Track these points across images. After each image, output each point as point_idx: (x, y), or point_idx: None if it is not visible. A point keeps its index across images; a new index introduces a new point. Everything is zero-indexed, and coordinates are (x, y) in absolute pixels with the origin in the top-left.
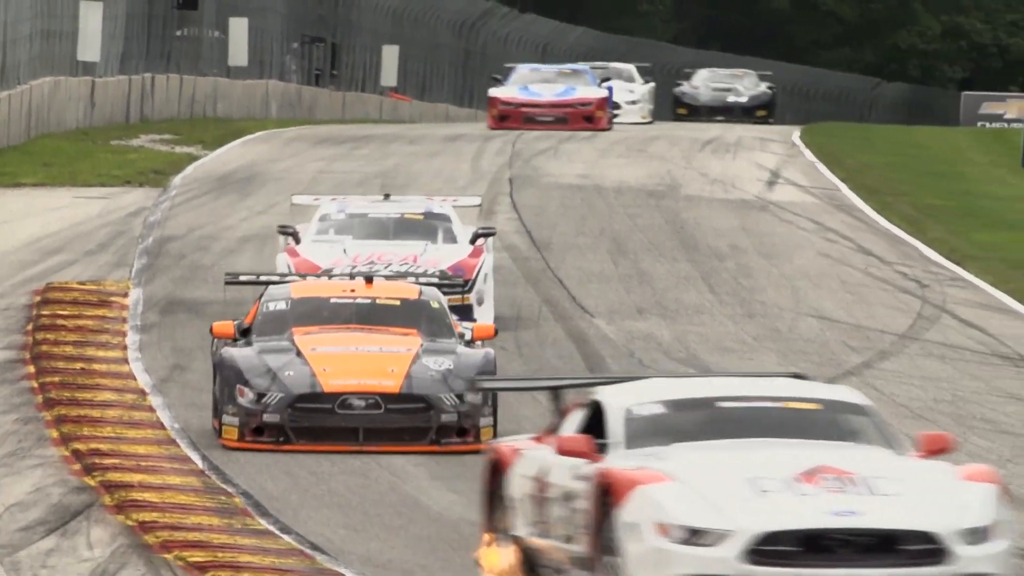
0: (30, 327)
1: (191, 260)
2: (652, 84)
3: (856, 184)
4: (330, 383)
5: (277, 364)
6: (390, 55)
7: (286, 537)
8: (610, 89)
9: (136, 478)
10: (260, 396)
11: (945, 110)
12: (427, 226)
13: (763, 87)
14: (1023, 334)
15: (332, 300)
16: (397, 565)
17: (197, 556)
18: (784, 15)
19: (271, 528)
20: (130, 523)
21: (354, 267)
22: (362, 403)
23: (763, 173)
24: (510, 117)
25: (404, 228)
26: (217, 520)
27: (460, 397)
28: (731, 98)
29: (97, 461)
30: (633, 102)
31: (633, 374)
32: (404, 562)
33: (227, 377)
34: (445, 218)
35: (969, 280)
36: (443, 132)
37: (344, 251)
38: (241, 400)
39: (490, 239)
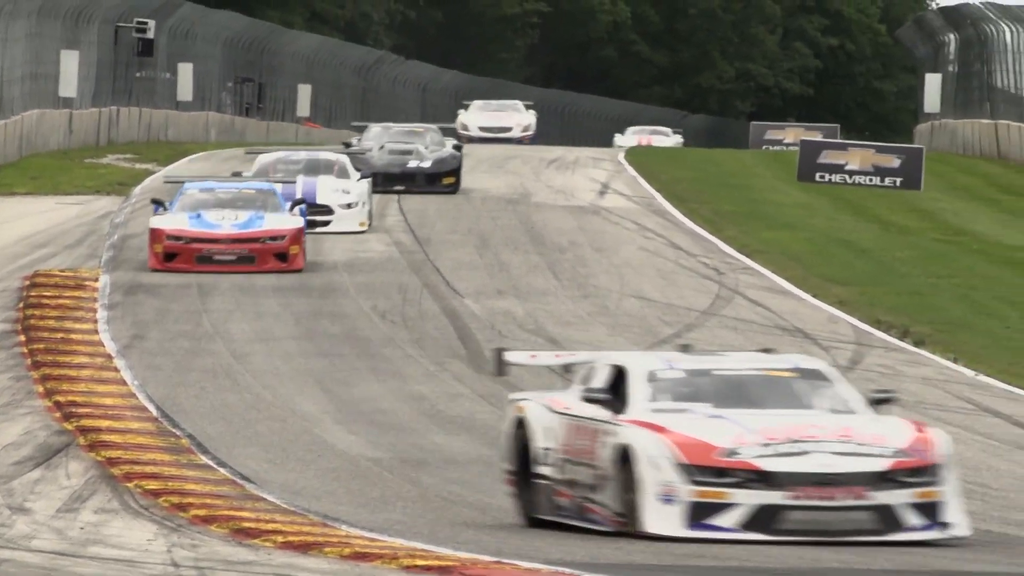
0: (21, 305)
1: (148, 252)
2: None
3: (668, 194)
4: None
5: None
6: (304, 92)
7: (222, 470)
8: (303, 212)
9: (104, 424)
10: None
11: (737, 136)
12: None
13: (448, 147)
14: (797, 310)
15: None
16: (309, 491)
17: (152, 485)
18: (611, 61)
19: (210, 463)
20: (99, 459)
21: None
22: None
23: (596, 185)
24: (179, 256)
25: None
26: (168, 457)
27: None
28: (412, 163)
29: (74, 410)
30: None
31: (493, 343)
32: (314, 489)
33: None
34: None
35: (756, 269)
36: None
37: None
38: None
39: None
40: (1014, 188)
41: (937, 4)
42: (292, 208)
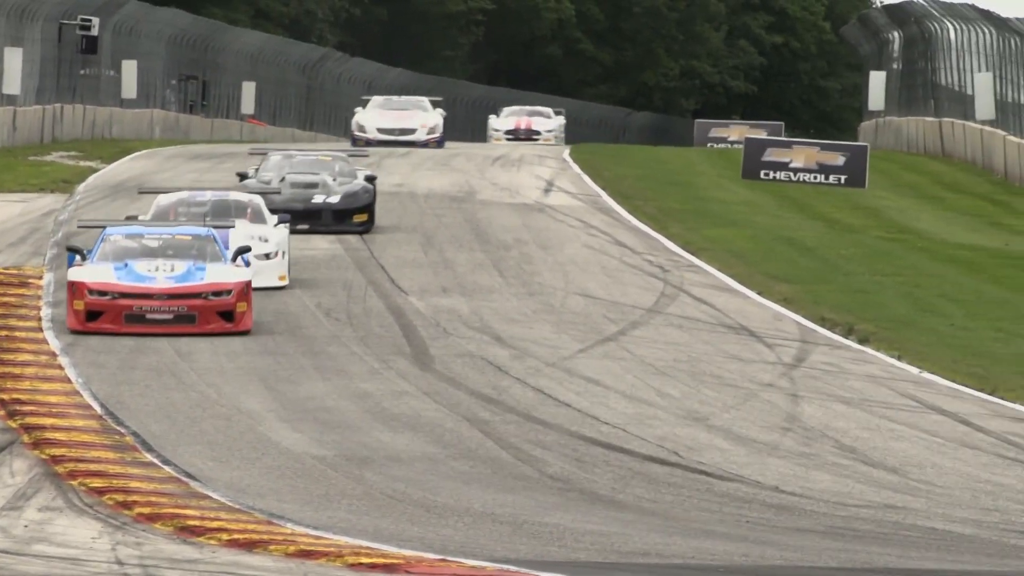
0: None
1: None
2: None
3: (613, 191)
4: None
5: None
6: (248, 89)
7: (167, 468)
8: (246, 261)
9: (48, 421)
10: None
11: (682, 134)
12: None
13: (359, 179)
14: (742, 308)
15: None
16: (253, 489)
17: (96, 482)
18: (556, 59)
19: (155, 461)
20: (44, 457)
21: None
22: None
23: (541, 183)
24: (105, 314)
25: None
26: (112, 454)
27: None
28: (317, 198)
29: (18, 408)
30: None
31: (438, 340)
32: (259, 487)
33: None
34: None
35: (701, 267)
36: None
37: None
38: None
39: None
40: (958, 186)
41: (881, 2)
42: (235, 258)
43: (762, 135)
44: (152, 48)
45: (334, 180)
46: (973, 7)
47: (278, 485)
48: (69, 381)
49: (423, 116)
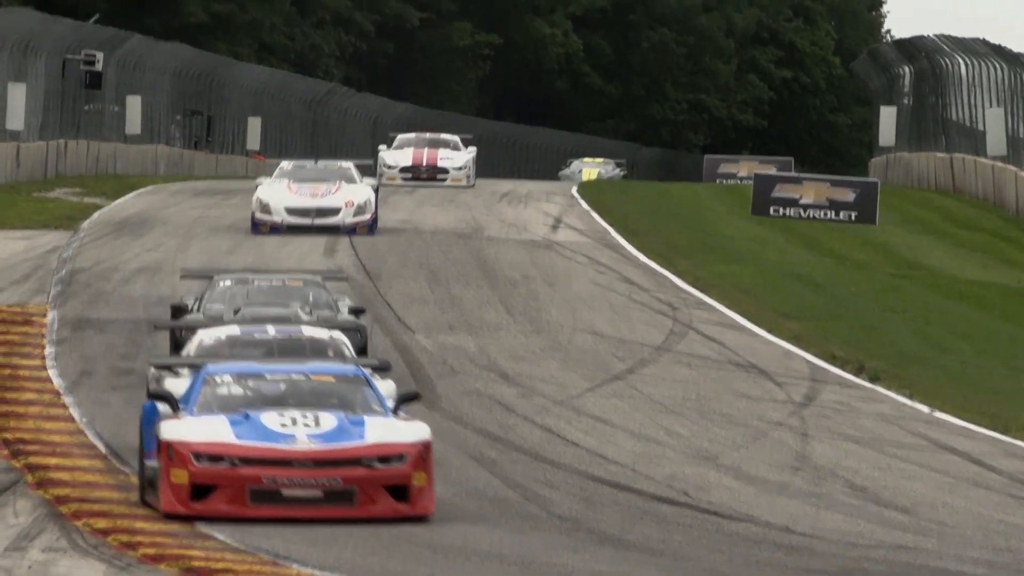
0: None
1: (96, 287)
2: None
3: (621, 228)
4: None
5: None
6: (254, 124)
7: None
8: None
9: (52, 461)
10: None
11: (690, 169)
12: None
13: (343, 309)
14: (752, 345)
15: None
16: (259, 530)
17: (101, 523)
18: (563, 93)
19: None
20: (48, 497)
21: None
22: None
23: (548, 219)
24: (219, 489)
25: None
26: (117, 494)
27: None
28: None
29: (21, 447)
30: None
31: (444, 378)
32: (265, 527)
33: None
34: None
35: (710, 303)
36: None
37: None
38: None
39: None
40: (969, 222)
41: (892, 37)
42: (399, 407)
43: (772, 170)
44: (156, 83)
45: (308, 312)
46: (984, 42)
47: (283, 525)
48: (73, 420)
49: (349, 190)
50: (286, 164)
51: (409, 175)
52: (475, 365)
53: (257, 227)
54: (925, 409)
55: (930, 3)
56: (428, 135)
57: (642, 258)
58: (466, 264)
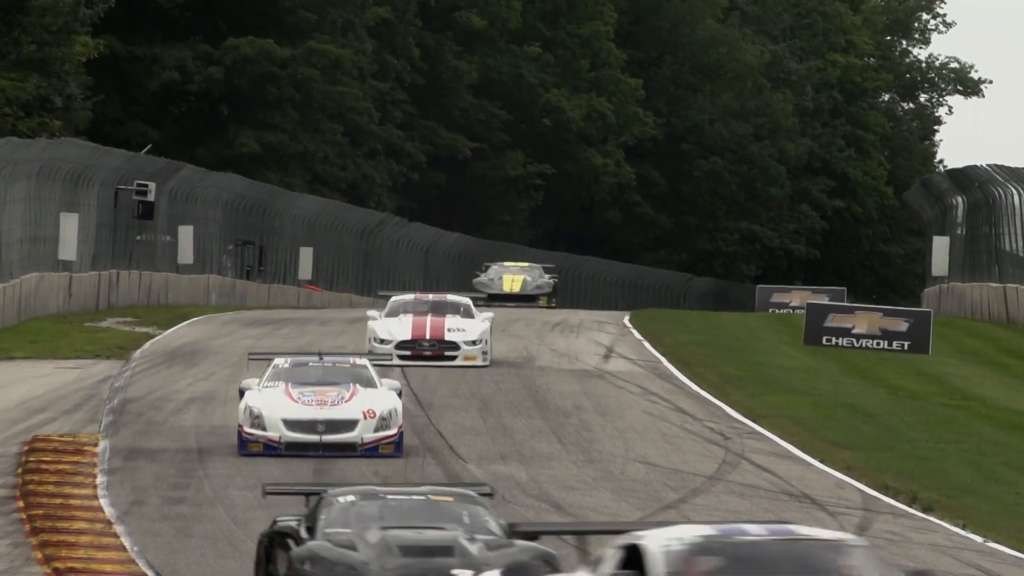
0: (20, 470)
1: (148, 417)
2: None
3: (673, 358)
4: None
5: None
6: (306, 254)
7: None
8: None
9: None
10: None
11: (743, 299)
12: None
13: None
14: (804, 476)
15: None
16: None
17: None
18: (615, 223)
19: None
20: None
21: None
22: None
23: (600, 348)
24: None
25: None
26: None
27: None
28: (454, 572)
29: None
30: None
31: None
32: None
33: None
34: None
35: (762, 433)
36: (347, 315)
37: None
38: None
39: None
40: (1022, 352)
41: (944, 167)
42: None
43: (824, 300)
44: (208, 213)
45: (468, 539)
46: None
47: None
48: (124, 549)
49: (367, 397)
50: (282, 361)
51: (408, 352)
52: (526, 495)
53: (245, 445)
54: (979, 539)
55: (983, 132)
56: (431, 296)
57: (694, 387)
58: (518, 394)
